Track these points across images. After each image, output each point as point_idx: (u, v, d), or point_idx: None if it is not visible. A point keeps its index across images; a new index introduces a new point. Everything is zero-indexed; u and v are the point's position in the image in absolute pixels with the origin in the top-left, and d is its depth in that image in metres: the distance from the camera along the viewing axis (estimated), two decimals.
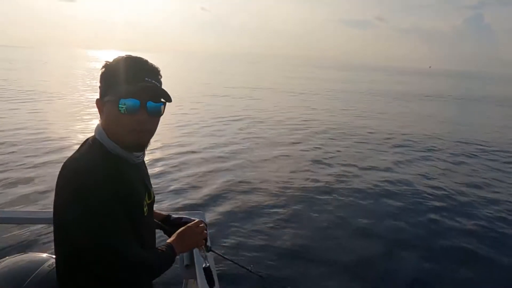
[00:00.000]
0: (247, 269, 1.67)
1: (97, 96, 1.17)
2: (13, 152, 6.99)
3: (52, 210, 1.09)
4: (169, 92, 1.15)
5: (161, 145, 7.90)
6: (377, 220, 4.97)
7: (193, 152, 7.75)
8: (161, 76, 1.17)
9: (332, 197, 5.67)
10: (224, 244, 4.01)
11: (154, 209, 1.37)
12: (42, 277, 1.27)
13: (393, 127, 12.17)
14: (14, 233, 3.87)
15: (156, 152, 7.37)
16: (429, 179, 6.84)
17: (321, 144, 9.22)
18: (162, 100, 1.15)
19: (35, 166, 6.21)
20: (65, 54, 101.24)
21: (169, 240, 1.26)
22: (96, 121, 1.20)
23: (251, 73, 46.13)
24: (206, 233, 1.35)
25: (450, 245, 4.40)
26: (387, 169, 7.30)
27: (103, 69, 1.13)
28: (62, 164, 1.11)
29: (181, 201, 5.19)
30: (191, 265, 1.62)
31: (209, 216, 4.55)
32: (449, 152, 9.08)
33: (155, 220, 1.40)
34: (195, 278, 1.48)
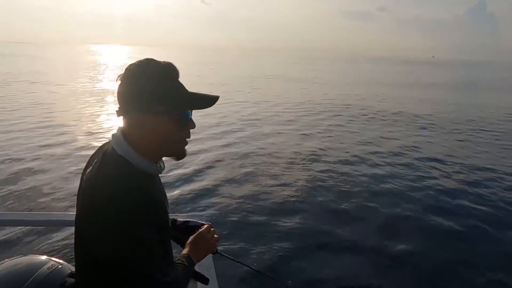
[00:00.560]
0: (251, 268, 1.65)
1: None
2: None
3: (51, 212, 1.06)
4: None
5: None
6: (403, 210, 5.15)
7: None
8: None
9: (343, 199, 5.49)
10: (224, 244, 4.00)
11: None
12: (41, 280, 1.27)
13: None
14: (14, 235, 3.84)
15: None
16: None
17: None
18: None
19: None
20: (74, 51, 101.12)
21: (184, 251, 1.21)
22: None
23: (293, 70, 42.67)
24: (217, 238, 1.30)
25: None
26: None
27: (141, 78, 0.99)
28: (84, 178, 1.05)
29: (182, 202, 5.18)
30: None
31: (208, 214, 4.55)
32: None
33: None
34: None
